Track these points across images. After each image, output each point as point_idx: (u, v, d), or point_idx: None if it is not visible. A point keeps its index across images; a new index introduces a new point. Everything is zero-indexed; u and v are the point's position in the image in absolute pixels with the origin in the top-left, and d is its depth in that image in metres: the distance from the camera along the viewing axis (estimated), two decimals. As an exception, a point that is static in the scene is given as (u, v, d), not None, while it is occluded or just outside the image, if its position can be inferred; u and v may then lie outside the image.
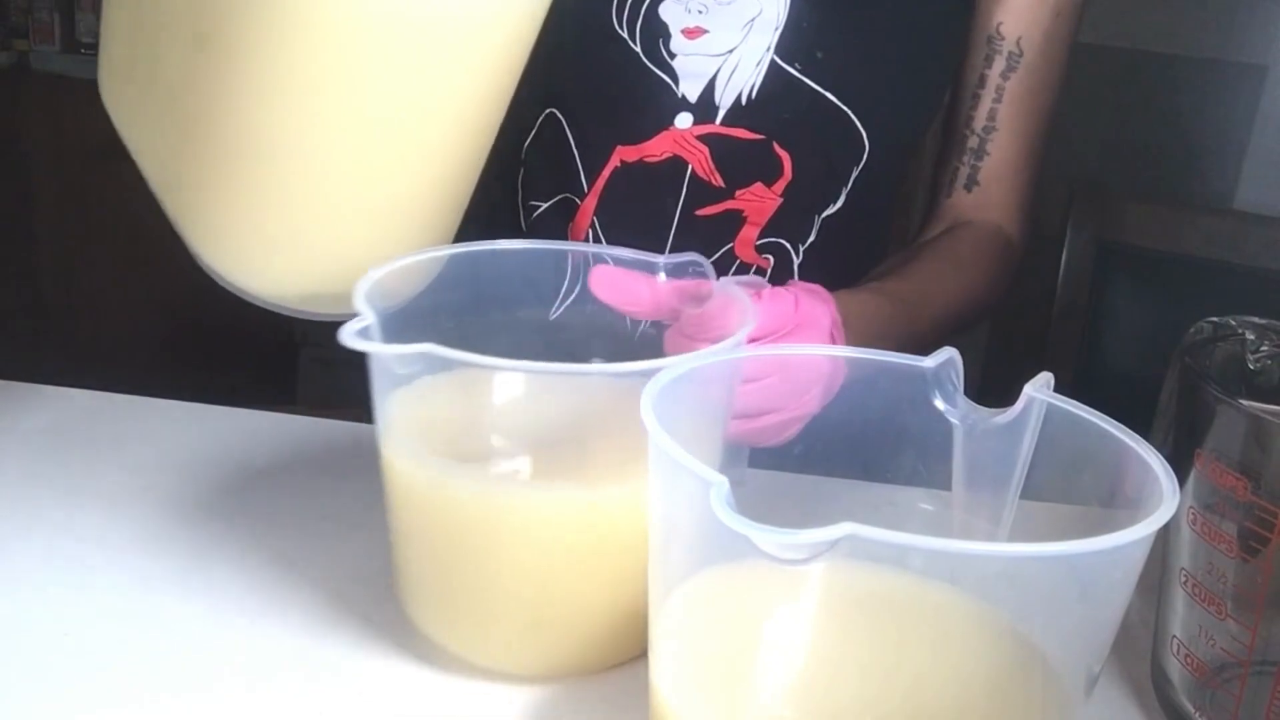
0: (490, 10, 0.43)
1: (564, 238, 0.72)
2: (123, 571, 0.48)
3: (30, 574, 0.47)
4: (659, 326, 0.49)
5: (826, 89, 0.66)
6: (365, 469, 0.58)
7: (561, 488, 0.39)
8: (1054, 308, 1.68)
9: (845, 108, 0.67)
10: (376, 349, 0.37)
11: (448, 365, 0.36)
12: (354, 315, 0.38)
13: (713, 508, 0.26)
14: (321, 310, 0.46)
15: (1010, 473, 0.35)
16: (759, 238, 0.70)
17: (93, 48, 2.54)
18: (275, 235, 0.45)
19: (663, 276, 0.47)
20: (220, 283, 0.45)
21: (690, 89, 0.67)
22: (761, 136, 0.68)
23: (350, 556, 0.50)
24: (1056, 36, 0.73)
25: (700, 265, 0.48)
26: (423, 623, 0.44)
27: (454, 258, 0.47)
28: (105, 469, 0.56)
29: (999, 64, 0.72)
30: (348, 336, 0.36)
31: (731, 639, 0.33)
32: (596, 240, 0.71)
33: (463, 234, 0.87)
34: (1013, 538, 0.37)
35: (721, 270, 0.60)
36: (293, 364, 2.42)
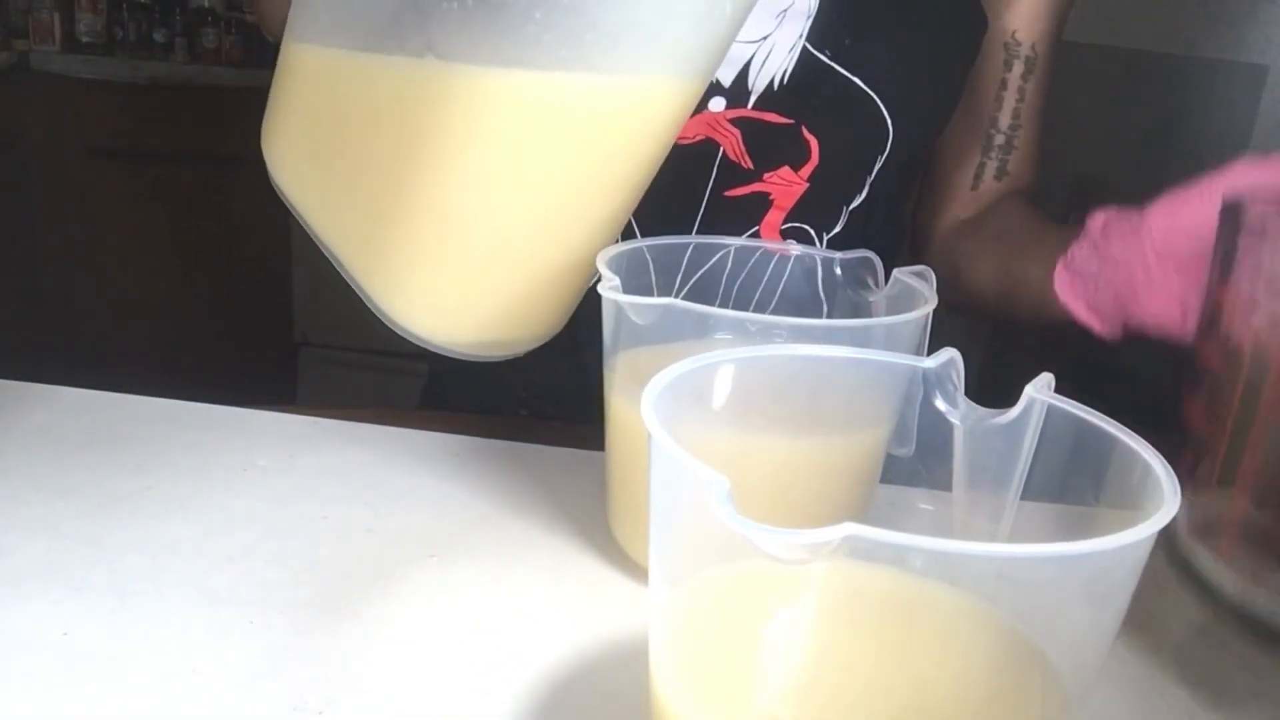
0: (650, 108, 0.49)
1: None
2: (122, 571, 0.48)
3: (30, 574, 0.47)
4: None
5: (854, 75, 0.70)
6: (365, 468, 0.59)
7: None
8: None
9: (871, 93, 0.70)
10: (625, 299, 0.44)
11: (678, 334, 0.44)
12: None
13: (713, 508, 0.26)
14: (487, 354, 0.53)
15: (1011, 473, 0.35)
16: (784, 222, 0.73)
17: (93, 48, 2.55)
18: (449, 296, 0.51)
19: (838, 271, 0.54)
20: (396, 330, 0.51)
21: (725, 74, 0.69)
22: (791, 121, 0.71)
23: (350, 557, 0.50)
24: (1058, 35, 0.80)
25: (870, 259, 0.54)
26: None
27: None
28: (105, 469, 0.56)
29: (1018, 68, 0.78)
30: (606, 290, 0.45)
31: (732, 639, 0.33)
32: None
33: None
34: (1013, 538, 0.37)
35: (748, 294, 0.63)
36: (293, 364, 2.43)
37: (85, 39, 2.55)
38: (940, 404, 0.37)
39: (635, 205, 0.54)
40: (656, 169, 0.53)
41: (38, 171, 2.42)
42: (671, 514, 0.31)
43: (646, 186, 0.53)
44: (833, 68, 0.69)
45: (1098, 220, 0.64)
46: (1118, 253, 0.62)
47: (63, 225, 2.40)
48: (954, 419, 0.37)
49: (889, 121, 0.71)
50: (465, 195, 0.48)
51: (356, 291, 0.51)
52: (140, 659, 0.42)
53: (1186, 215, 0.58)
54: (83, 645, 0.43)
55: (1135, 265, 0.60)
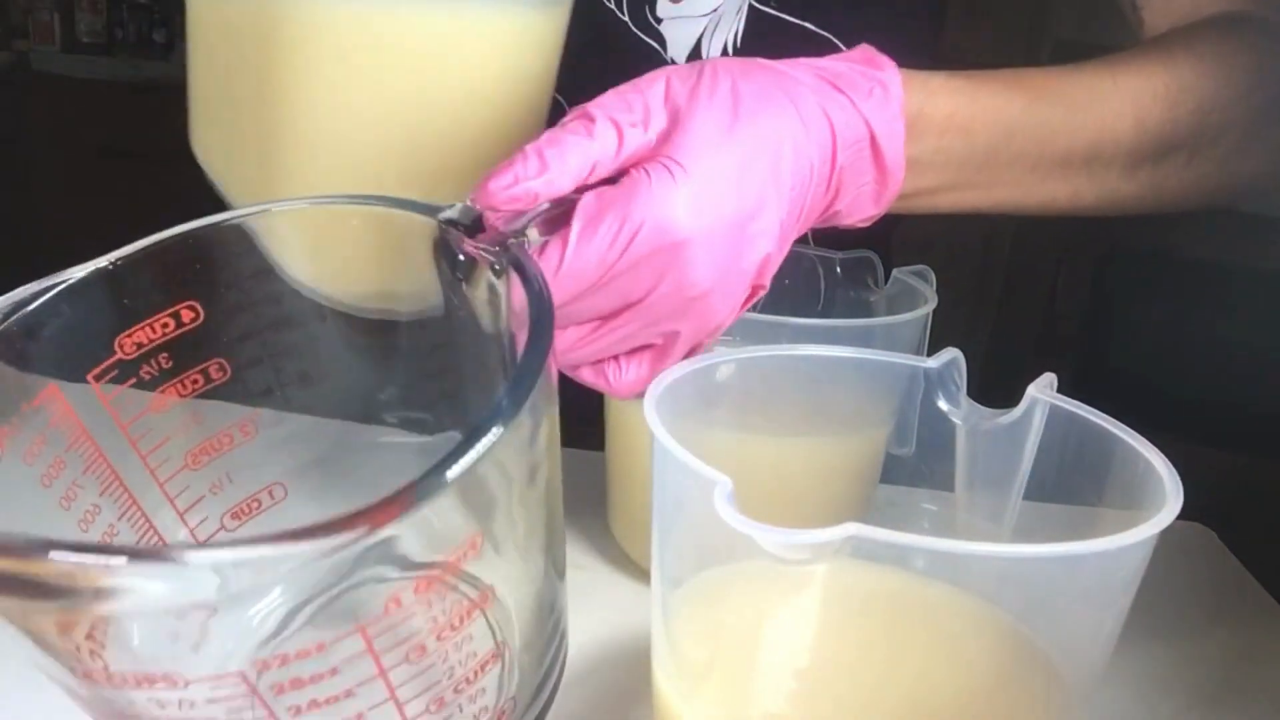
0: (499, 37, 0.46)
1: None
2: (123, 572, 0.47)
3: (30, 574, 0.47)
4: None
5: (805, 20, 0.66)
6: (363, 469, 0.58)
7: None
8: (1054, 308, 1.68)
9: (825, 33, 0.66)
10: None
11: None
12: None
13: (716, 508, 0.26)
14: (374, 305, 0.46)
15: (1013, 473, 0.35)
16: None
17: (93, 48, 2.55)
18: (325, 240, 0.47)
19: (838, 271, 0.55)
20: (299, 288, 0.46)
21: (679, 52, 0.67)
22: None
23: (351, 557, 0.50)
24: None
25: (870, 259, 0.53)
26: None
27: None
28: (105, 469, 0.56)
29: None
30: None
31: (735, 638, 0.33)
32: None
33: None
34: (1015, 538, 0.37)
35: None
36: (292, 364, 2.43)
37: (85, 39, 2.55)
38: (942, 404, 0.37)
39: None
40: (533, 112, 0.50)
41: (38, 171, 2.42)
42: (674, 514, 0.31)
43: (527, 134, 0.49)
44: (781, 18, 0.66)
45: None
46: None
47: (63, 225, 2.40)
48: (956, 419, 0.37)
49: None
50: (326, 128, 0.45)
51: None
52: (140, 659, 0.42)
53: None
54: (83, 645, 0.43)
55: None
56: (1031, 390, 0.35)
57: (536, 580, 0.34)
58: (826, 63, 0.40)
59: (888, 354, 0.39)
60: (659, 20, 0.66)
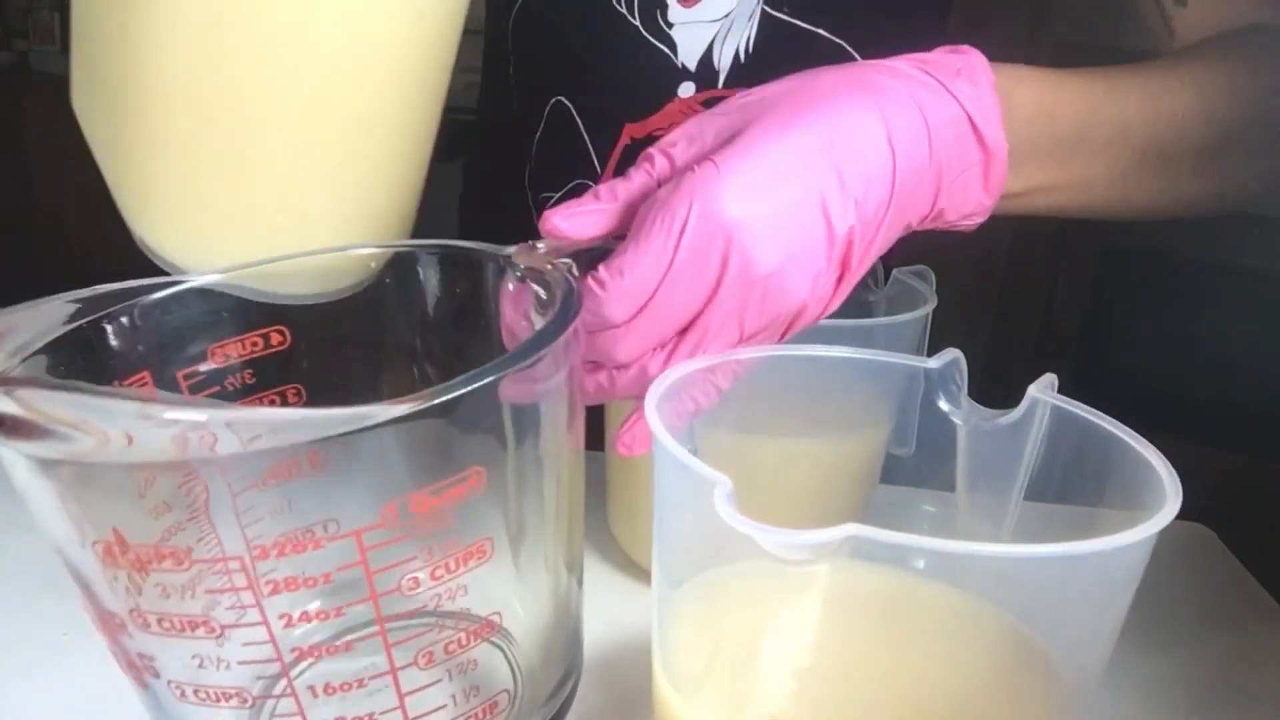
0: None
1: None
2: (123, 572, 0.47)
3: (29, 573, 0.47)
4: None
5: (818, 26, 0.66)
6: (362, 468, 0.58)
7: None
8: (1054, 308, 1.68)
9: (839, 40, 0.66)
10: None
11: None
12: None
13: (716, 508, 0.26)
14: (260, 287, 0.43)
15: (1014, 474, 0.35)
16: None
17: (92, 47, 2.54)
18: (198, 211, 0.44)
19: None
20: (164, 266, 0.45)
21: (690, 57, 0.67)
22: None
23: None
24: None
25: None
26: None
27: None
28: (105, 469, 0.56)
29: None
30: None
31: (736, 639, 0.33)
32: None
33: (472, 232, 0.86)
34: (1016, 539, 0.37)
35: None
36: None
37: (85, 39, 2.55)
38: (943, 404, 0.37)
39: (423, 122, 0.45)
40: (432, 72, 0.45)
41: (38, 171, 2.42)
42: (674, 514, 0.31)
43: (430, 98, 0.45)
44: (795, 24, 0.66)
45: None
46: None
47: (62, 225, 2.40)
48: (957, 420, 0.37)
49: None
50: (184, 77, 0.40)
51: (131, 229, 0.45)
52: (140, 659, 0.42)
53: None
54: (83, 645, 0.43)
55: None
56: (1032, 391, 0.35)
57: (556, 586, 0.35)
58: (911, 56, 0.41)
59: (888, 354, 0.39)
60: (670, 25, 0.66)
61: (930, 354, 0.39)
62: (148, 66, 0.40)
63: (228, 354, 0.38)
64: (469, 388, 0.28)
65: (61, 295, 0.35)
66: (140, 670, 0.32)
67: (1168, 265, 1.59)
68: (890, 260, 0.56)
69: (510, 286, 0.38)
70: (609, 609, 0.48)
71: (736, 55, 0.66)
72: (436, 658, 0.32)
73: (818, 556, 0.25)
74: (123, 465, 0.29)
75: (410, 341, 0.43)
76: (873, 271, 0.56)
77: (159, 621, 0.30)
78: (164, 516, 0.32)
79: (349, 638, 0.32)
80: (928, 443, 0.38)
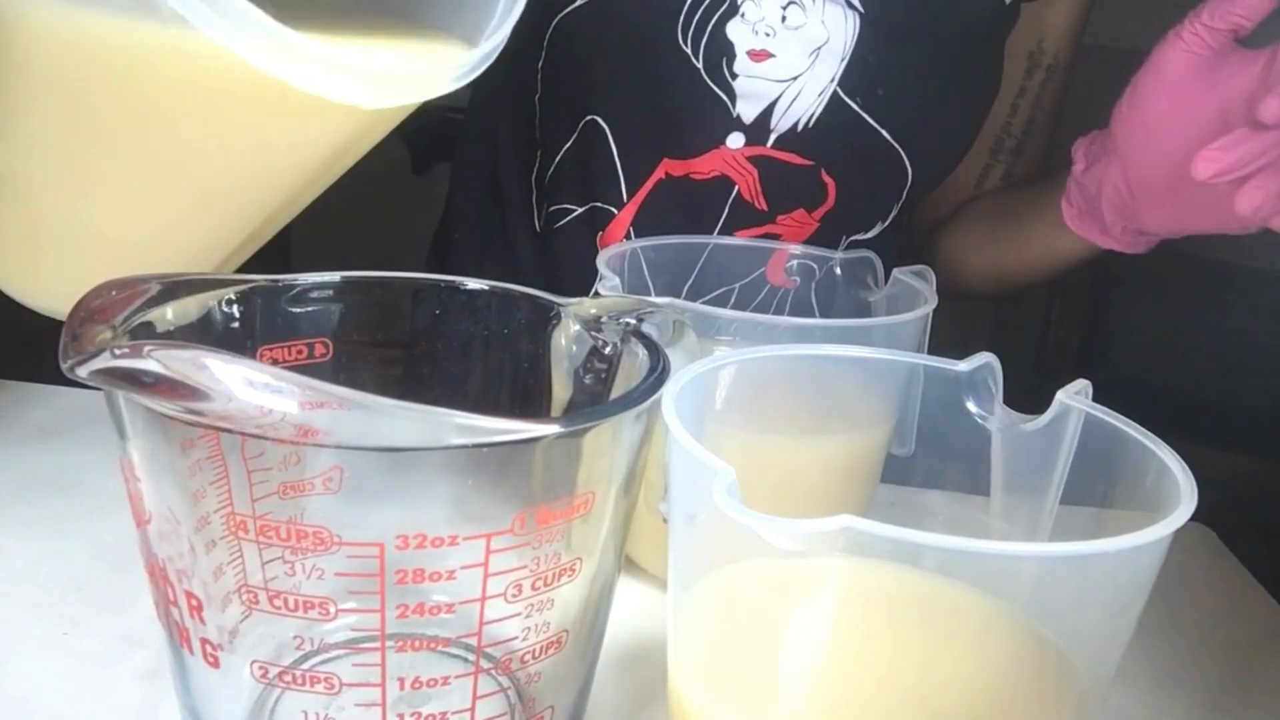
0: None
1: (591, 246, 0.71)
2: (122, 571, 0.47)
3: (29, 574, 0.47)
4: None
5: (883, 126, 0.67)
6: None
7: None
8: (1053, 309, 1.68)
9: (897, 145, 0.68)
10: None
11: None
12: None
13: (715, 497, 0.26)
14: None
15: (1048, 479, 0.35)
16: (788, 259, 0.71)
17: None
18: (38, 254, 0.45)
19: (838, 271, 0.56)
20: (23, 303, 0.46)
21: (747, 110, 0.66)
22: (810, 163, 0.68)
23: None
24: (1078, 41, 0.78)
25: (870, 259, 0.55)
26: None
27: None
28: (105, 469, 0.56)
29: (1038, 76, 0.77)
30: (605, 290, 0.45)
31: (750, 635, 0.33)
32: None
33: (466, 235, 0.84)
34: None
35: (749, 296, 0.60)
36: (292, 364, 2.43)
37: (84, 39, 2.55)
38: (973, 408, 0.37)
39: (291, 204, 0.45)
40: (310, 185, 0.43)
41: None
42: (687, 511, 0.31)
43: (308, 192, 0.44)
44: (862, 117, 0.66)
45: (1078, 147, 0.63)
46: (1100, 169, 0.61)
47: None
48: (990, 425, 0.37)
49: (910, 173, 0.69)
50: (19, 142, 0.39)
51: None
52: (141, 659, 0.42)
53: (1138, 104, 0.57)
54: (84, 645, 0.43)
55: (1115, 174, 0.60)
56: (1061, 396, 0.34)
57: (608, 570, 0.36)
58: None
59: (889, 352, 0.38)
60: (735, 76, 0.65)
61: (930, 354, 0.39)
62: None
63: (274, 357, 0.39)
64: (613, 415, 0.31)
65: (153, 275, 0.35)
66: (216, 648, 0.33)
67: (1168, 265, 1.59)
68: (890, 260, 0.56)
69: (564, 336, 0.40)
70: (619, 612, 0.47)
71: (796, 124, 0.66)
72: (514, 666, 0.34)
73: (814, 547, 0.25)
74: (276, 441, 0.30)
75: (450, 370, 0.43)
76: (873, 271, 0.56)
77: (272, 600, 0.30)
78: (300, 499, 0.33)
79: (447, 634, 0.32)
80: (933, 443, 0.38)
